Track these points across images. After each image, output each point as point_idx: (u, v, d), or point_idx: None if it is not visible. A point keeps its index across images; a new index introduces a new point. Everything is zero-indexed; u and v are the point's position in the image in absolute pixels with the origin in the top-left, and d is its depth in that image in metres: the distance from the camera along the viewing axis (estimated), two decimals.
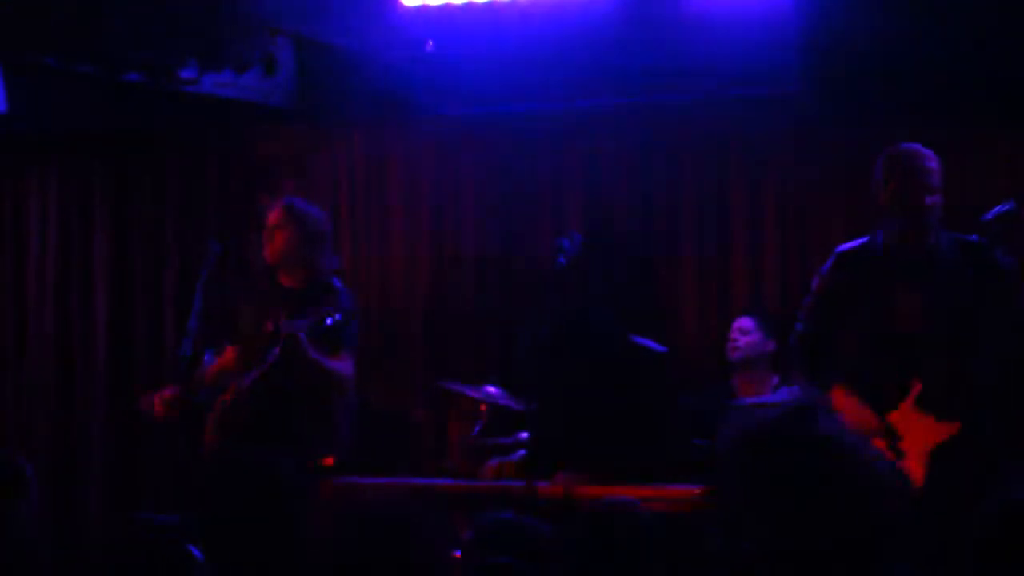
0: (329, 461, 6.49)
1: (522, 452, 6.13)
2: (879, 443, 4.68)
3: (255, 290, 6.12)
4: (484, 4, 6.78)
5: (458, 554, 4.41)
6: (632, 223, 6.93)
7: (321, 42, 6.82)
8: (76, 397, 7.61)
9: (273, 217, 5.94)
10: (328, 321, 5.59)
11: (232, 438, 5.76)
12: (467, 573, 2.82)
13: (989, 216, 4.79)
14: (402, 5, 6.77)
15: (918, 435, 4.72)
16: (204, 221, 7.41)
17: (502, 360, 6.82)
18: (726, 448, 2.56)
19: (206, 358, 6.01)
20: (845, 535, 2.40)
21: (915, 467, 4.71)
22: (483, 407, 6.22)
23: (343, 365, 5.78)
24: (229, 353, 6.03)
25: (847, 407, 4.81)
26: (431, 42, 6.84)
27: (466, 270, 7.20)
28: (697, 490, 5.39)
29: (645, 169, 6.91)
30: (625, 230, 6.93)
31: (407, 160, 7.28)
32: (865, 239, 5.00)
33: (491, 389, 6.27)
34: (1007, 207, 4.80)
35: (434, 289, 7.25)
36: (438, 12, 6.81)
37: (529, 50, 6.78)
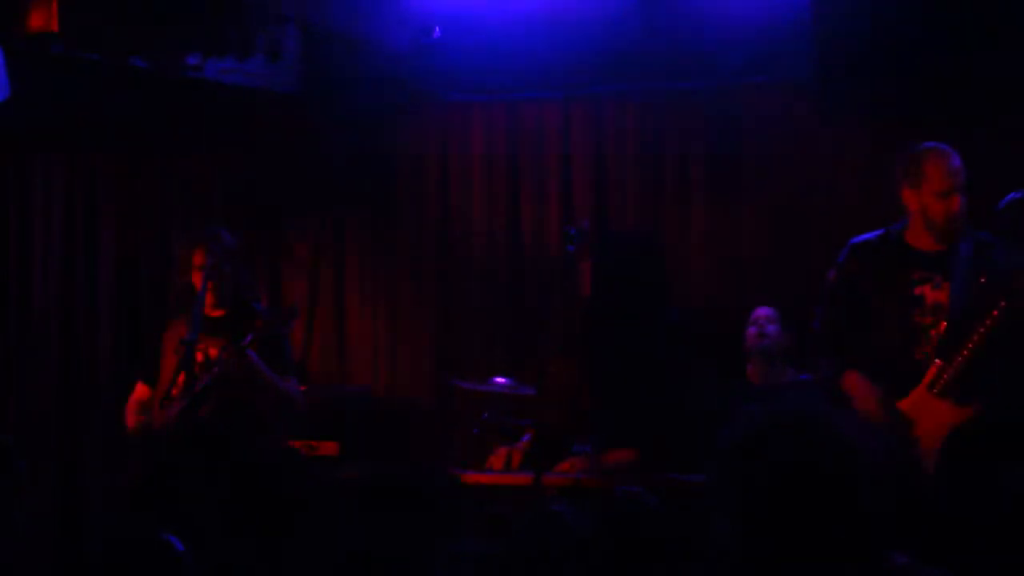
0: (333, 448, 6.49)
1: (527, 437, 6.12)
2: (890, 428, 4.66)
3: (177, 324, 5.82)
4: None
5: None
6: (641, 209, 6.90)
7: (327, 29, 6.78)
8: (79, 381, 7.59)
9: (201, 256, 5.70)
10: (282, 329, 5.55)
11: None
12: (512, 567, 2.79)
13: (1002, 205, 4.76)
14: None
15: (933, 420, 4.69)
16: (210, 207, 7.38)
17: (511, 347, 6.80)
18: (722, 442, 2.54)
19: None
20: (834, 525, 2.38)
21: (929, 452, 4.69)
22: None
23: (292, 386, 5.71)
24: (143, 390, 5.87)
25: (858, 392, 4.78)
26: (437, 28, 6.81)
27: (474, 258, 7.17)
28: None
29: (655, 155, 6.88)
30: (634, 217, 6.91)
31: (413, 147, 7.24)
32: (881, 231, 4.96)
33: (499, 379, 6.25)
34: (1019, 195, 4.77)
35: (441, 277, 7.22)
36: None
37: (537, 36, 6.75)
